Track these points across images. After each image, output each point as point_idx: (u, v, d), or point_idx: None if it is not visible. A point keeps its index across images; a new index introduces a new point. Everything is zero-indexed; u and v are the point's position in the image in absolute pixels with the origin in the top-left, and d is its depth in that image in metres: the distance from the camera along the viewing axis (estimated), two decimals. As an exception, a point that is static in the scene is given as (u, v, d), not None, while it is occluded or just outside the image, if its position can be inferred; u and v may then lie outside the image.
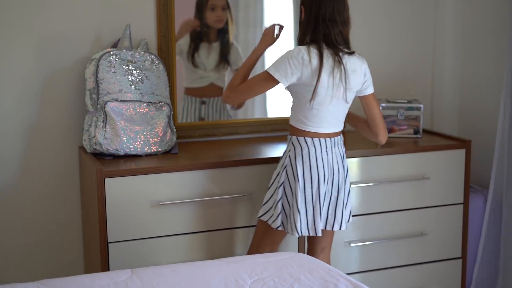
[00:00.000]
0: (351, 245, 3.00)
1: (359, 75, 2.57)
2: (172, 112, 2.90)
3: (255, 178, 2.81)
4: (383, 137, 2.68)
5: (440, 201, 3.12)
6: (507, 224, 3.12)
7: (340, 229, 2.64)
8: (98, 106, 2.78)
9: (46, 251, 3.03)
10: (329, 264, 2.77)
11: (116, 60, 2.83)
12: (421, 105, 3.23)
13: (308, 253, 2.76)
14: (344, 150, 2.66)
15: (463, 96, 3.54)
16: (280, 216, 2.58)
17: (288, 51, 2.52)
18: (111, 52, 2.84)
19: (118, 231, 2.64)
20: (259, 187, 2.81)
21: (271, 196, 2.62)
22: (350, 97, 2.58)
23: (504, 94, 3.07)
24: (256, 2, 3.25)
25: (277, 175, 2.61)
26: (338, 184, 2.62)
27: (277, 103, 3.35)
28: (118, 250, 2.65)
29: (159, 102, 2.86)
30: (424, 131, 3.37)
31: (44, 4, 2.89)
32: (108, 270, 2.62)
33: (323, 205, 2.59)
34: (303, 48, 2.50)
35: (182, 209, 2.73)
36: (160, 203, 2.68)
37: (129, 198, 2.65)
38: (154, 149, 2.85)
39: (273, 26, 2.71)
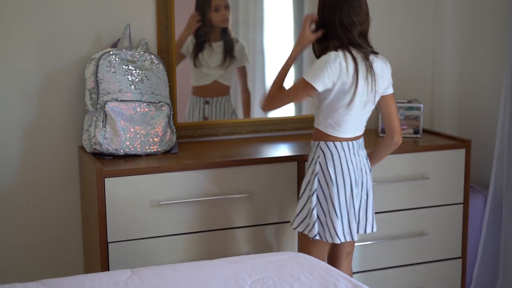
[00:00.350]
0: (351, 245, 3.00)
1: (385, 79, 2.57)
2: (172, 112, 2.89)
3: (255, 178, 2.81)
4: (398, 137, 2.65)
5: (440, 201, 3.12)
6: (507, 224, 3.12)
7: (372, 231, 2.63)
8: (98, 106, 2.78)
9: (46, 251, 3.03)
10: (351, 269, 2.78)
11: (116, 60, 2.83)
12: (421, 105, 3.23)
13: (331, 260, 2.73)
14: (365, 151, 2.66)
15: (463, 96, 3.54)
16: (316, 224, 2.55)
17: (325, 57, 2.47)
18: (111, 52, 2.84)
19: (118, 231, 2.64)
20: (259, 187, 2.81)
21: (304, 205, 2.59)
22: (377, 99, 2.58)
23: (504, 94, 3.07)
24: (256, 2, 3.25)
25: (308, 182, 2.58)
26: (367, 186, 2.61)
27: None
28: (118, 250, 2.65)
29: (159, 102, 2.86)
30: (424, 131, 3.37)
31: (44, 4, 2.89)
32: (108, 270, 2.62)
33: (356, 208, 2.58)
34: (340, 54, 2.46)
35: (182, 209, 2.73)
36: (160, 203, 2.67)
37: (129, 198, 2.64)
38: (154, 149, 2.85)
39: (306, 22, 2.58)
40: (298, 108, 3.37)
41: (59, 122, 2.99)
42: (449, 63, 3.53)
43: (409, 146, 3.09)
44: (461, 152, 3.12)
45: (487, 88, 3.39)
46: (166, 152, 2.90)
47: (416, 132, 3.22)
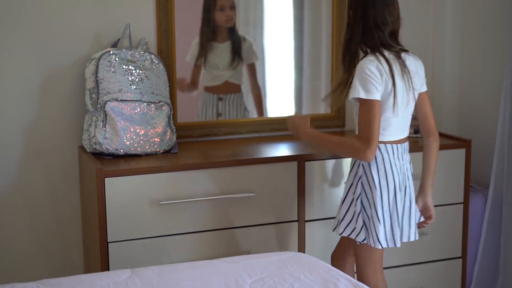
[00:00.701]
0: (351, 245, 3.00)
1: (420, 76, 2.55)
2: (172, 112, 2.90)
3: (255, 178, 2.81)
4: (436, 134, 2.63)
5: (440, 201, 3.12)
6: (507, 224, 3.12)
7: (415, 238, 2.59)
8: (98, 105, 2.78)
9: (46, 251, 3.03)
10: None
11: (116, 59, 2.83)
12: (421, 105, 3.23)
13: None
14: (409, 156, 2.62)
15: (463, 96, 3.54)
16: (363, 229, 2.52)
17: (361, 67, 2.42)
18: (111, 52, 2.84)
19: (118, 230, 2.64)
20: (259, 187, 2.81)
21: (347, 210, 2.55)
22: (416, 96, 2.55)
23: (504, 93, 3.07)
24: (256, 2, 3.25)
25: (350, 186, 2.55)
26: (410, 192, 2.57)
27: (277, 103, 3.35)
28: (118, 250, 2.65)
29: (159, 101, 2.86)
30: (424, 130, 3.37)
31: (44, 4, 2.89)
32: (108, 270, 2.62)
33: (399, 214, 2.53)
34: (373, 59, 2.42)
35: (182, 209, 2.72)
36: (160, 203, 2.67)
37: (129, 198, 2.64)
38: (154, 148, 2.85)
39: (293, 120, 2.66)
40: (298, 108, 3.36)
41: (59, 122, 2.99)
42: (449, 62, 3.53)
43: (409, 145, 3.08)
44: (461, 152, 3.11)
45: (487, 88, 3.39)
46: (166, 152, 2.90)
47: (416, 132, 3.21)
